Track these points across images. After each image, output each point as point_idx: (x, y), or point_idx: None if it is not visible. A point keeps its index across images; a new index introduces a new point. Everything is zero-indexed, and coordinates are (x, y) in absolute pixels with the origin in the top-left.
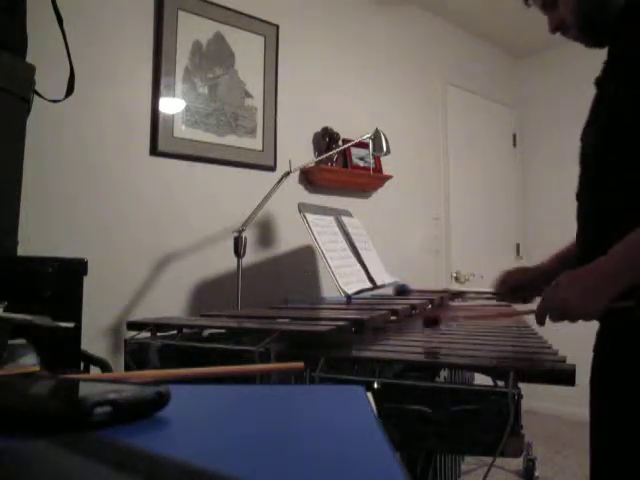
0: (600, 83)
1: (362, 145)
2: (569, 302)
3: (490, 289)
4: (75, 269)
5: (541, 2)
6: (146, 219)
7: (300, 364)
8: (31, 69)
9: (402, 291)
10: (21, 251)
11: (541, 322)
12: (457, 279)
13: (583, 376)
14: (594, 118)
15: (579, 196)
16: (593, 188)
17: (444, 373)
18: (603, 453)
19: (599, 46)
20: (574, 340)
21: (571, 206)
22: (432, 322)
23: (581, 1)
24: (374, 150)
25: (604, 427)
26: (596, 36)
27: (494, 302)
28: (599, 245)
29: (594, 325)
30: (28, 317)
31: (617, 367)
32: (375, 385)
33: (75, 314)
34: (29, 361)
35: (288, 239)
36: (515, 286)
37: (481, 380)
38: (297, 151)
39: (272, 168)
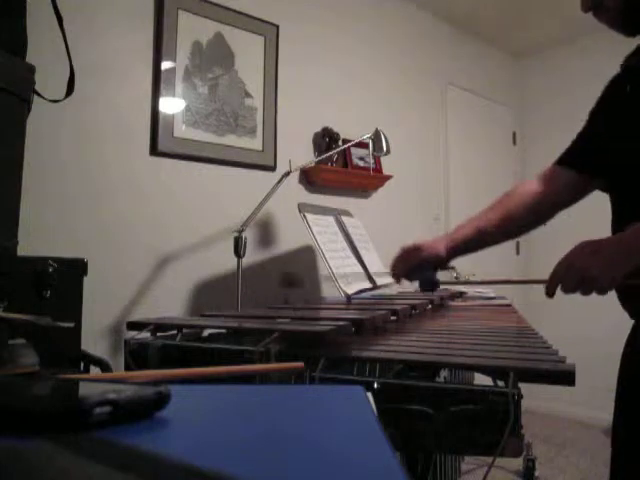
0: None
1: (362, 145)
2: (590, 270)
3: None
4: (75, 269)
5: None
6: (146, 219)
7: (300, 364)
8: (31, 69)
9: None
10: (21, 251)
11: (551, 292)
12: (457, 279)
13: (583, 376)
14: None
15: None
16: None
17: (444, 373)
18: (628, 454)
19: (632, 35)
20: (574, 340)
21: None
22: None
23: None
24: (374, 150)
25: (632, 427)
26: (636, 22)
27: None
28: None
29: (594, 326)
30: (28, 317)
31: None
32: (375, 385)
33: (75, 314)
34: (29, 361)
35: (288, 239)
36: (414, 265)
37: (481, 380)
38: (297, 151)
39: (272, 168)
